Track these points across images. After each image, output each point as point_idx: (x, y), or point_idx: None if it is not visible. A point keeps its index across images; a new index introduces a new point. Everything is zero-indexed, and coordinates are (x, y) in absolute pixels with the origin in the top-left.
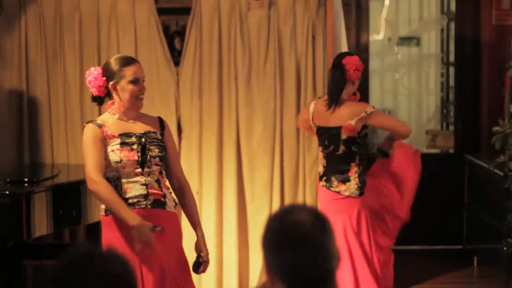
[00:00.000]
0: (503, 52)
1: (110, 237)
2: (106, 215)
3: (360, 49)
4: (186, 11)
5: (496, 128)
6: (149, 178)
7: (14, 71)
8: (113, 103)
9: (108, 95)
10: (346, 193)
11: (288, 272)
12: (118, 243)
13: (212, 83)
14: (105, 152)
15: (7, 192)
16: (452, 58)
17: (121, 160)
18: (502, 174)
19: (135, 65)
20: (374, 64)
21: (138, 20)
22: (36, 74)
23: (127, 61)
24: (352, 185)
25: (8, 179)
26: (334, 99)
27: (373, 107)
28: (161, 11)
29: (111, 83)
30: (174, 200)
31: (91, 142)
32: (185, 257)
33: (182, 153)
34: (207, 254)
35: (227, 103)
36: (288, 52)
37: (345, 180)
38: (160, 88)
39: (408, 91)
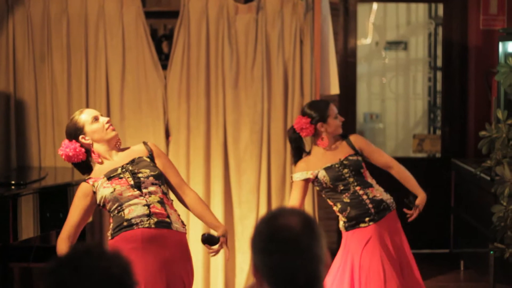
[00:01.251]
0: (491, 57)
1: None
2: (112, 238)
3: (348, 53)
4: (174, 14)
5: (483, 133)
6: (150, 199)
7: (1, 74)
8: (97, 156)
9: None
10: (342, 230)
11: (276, 275)
12: None
13: (200, 86)
14: (100, 198)
15: None
16: (439, 62)
17: (114, 189)
18: (488, 178)
19: (86, 110)
20: (361, 68)
21: (125, 23)
22: (23, 76)
23: (80, 112)
24: (341, 223)
25: None
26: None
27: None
28: (149, 15)
29: (80, 137)
30: (182, 222)
31: (76, 203)
32: (192, 278)
33: (169, 156)
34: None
35: (214, 107)
36: (276, 56)
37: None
38: (148, 91)
39: (396, 95)
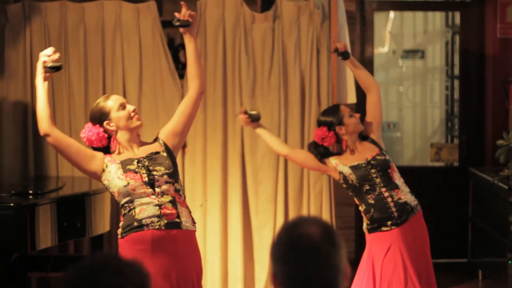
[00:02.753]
0: (508, 65)
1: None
2: (122, 237)
3: (365, 62)
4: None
5: (500, 142)
6: (162, 199)
7: (19, 83)
8: (115, 145)
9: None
10: (365, 231)
11: (293, 283)
12: None
13: (217, 95)
14: (111, 182)
15: (12, 204)
16: (456, 71)
17: (128, 184)
18: (506, 187)
19: (113, 96)
20: (378, 77)
21: (142, 33)
22: None
23: (106, 98)
24: (364, 224)
25: (12, 192)
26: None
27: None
28: (166, 24)
29: (105, 123)
30: (192, 219)
31: (82, 147)
32: (201, 276)
33: (186, 165)
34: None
35: (231, 116)
36: (293, 65)
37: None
38: (165, 100)
39: (413, 104)
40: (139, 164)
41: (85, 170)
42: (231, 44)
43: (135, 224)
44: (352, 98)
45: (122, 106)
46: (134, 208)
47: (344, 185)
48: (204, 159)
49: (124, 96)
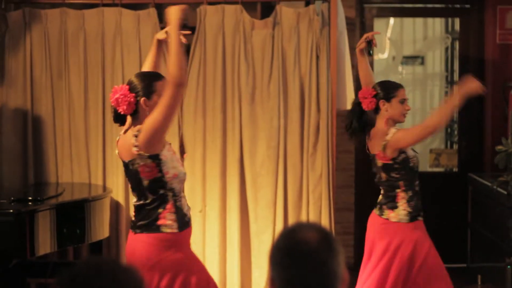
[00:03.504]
0: (507, 71)
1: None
2: (181, 231)
3: None
4: (191, 30)
5: (499, 147)
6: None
7: (19, 90)
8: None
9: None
10: (394, 220)
11: None
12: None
13: (216, 102)
14: (167, 161)
15: (11, 210)
16: (456, 77)
17: (185, 173)
18: (505, 193)
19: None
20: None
21: (142, 39)
22: (41, 93)
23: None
24: (401, 211)
25: (12, 198)
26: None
27: (394, 130)
28: None
29: (142, 99)
30: None
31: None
32: None
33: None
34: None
35: (231, 122)
36: (292, 71)
37: (394, 207)
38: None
39: (413, 109)
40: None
41: (163, 134)
42: (231, 51)
43: (186, 219)
44: (351, 104)
45: None
46: (181, 201)
47: (396, 166)
48: (203, 165)
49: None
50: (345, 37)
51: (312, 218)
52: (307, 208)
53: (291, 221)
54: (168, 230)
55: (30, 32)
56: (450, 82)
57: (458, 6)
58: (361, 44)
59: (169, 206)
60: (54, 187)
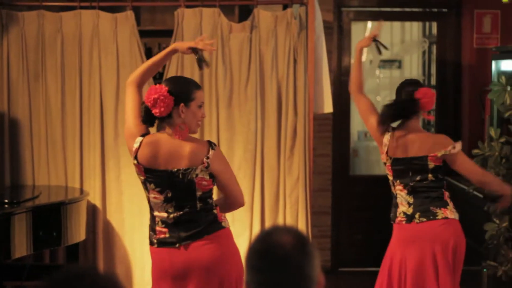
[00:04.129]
0: (484, 75)
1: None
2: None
3: (342, 72)
4: (169, 33)
5: (476, 151)
6: None
7: None
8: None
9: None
10: (452, 216)
11: None
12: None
13: None
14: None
15: None
16: (433, 81)
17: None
18: (481, 196)
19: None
20: None
21: (120, 42)
22: (17, 95)
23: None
24: (451, 208)
25: None
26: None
27: (459, 145)
28: (143, 33)
29: (181, 105)
30: None
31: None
32: None
33: None
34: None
35: (208, 125)
36: (270, 74)
37: (445, 205)
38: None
39: None
40: None
41: None
42: (208, 54)
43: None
44: (329, 108)
45: (201, 105)
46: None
47: (443, 167)
48: None
49: (101, 106)
50: (322, 40)
51: (289, 221)
52: (284, 211)
53: (268, 224)
54: (229, 225)
55: (7, 34)
56: (427, 86)
57: (435, 10)
58: (365, 43)
59: (217, 209)
60: (30, 189)
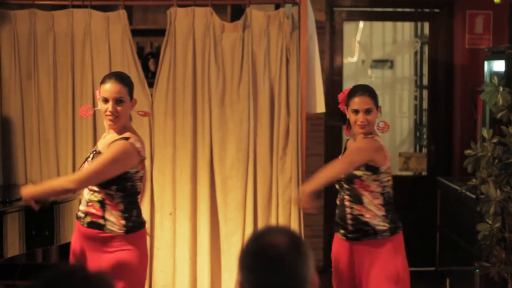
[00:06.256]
0: (476, 76)
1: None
2: (134, 232)
3: (334, 72)
4: (161, 32)
5: (468, 151)
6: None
7: None
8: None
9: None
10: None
11: None
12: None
13: (186, 104)
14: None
15: None
16: (425, 81)
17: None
18: (474, 197)
19: (111, 84)
20: (348, 86)
21: (112, 41)
22: (9, 94)
23: (108, 78)
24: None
25: None
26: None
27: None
28: (135, 32)
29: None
30: (124, 225)
31: (121, 162)
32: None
33: (155, 174)
34: None
35: (200, 125)
36: (262, 74)
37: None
38: (134, 109)
39: (382, 113)
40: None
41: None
42: (201, 53)
43: (143, 220)
44: (321, 108)
45: (105, 100)
46: (137, 205)
47: (368, 173)
48: (173, 167)
49: (93, 104)
50: (315, 40)
51: (282, 220)
52: (277, 211)
53: (261, 223)
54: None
55: None
56: (419, 86)
57: (427, 10)
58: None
59: None
60: None
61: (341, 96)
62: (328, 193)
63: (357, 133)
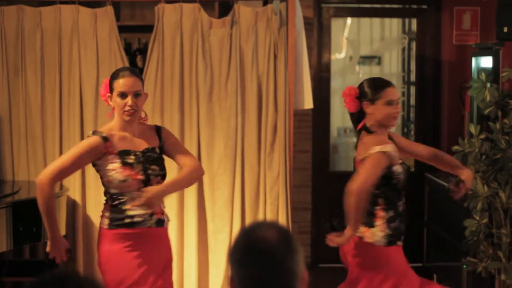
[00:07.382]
0: (464, 72)
1: (110, 251)
2: (110, 228)
3: (322, 68)
4: (149, 28)
5: (456, 147)
6: None
7: None
8: (113, 110)
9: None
10: (370, 240)
11: (249, 287)
12: (118, 257)
13: (174, 101)
14: (104, 169)
15: None
16: (413, 77)
17: (125, 180)
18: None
19: (127, 77)
20: (335, 83)
21: (99, 37)
22: None
23: (121, 73)
24: (377, 232)
25: None
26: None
27: (381, 148)
28: (123, 29)
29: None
30: (167, 215)
31: (79, 152)
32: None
33: None
34: None
35: (188, 121)
36: (250, 70)
37: (370, 225)
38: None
39: None
40: (136, 159)
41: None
42: (189, 49)
43: (127, 221)
44: (309, 104)
45: (123, 95)
46: (125, 202)
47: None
48: None
49: (81, 101)
50: (303, 36)
51: (269, 217)
52: (264, 207)
53: (248, 220)
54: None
55: None
56: (407, 82)
57: (415, 6)
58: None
59: None
60: (10, 185)
61: (353, 91)
62: (315, 191)
63: (392, 126)
